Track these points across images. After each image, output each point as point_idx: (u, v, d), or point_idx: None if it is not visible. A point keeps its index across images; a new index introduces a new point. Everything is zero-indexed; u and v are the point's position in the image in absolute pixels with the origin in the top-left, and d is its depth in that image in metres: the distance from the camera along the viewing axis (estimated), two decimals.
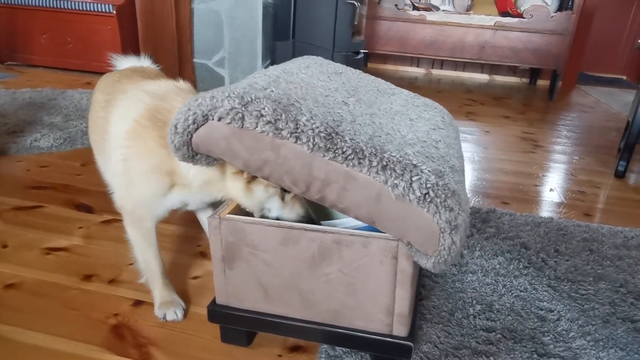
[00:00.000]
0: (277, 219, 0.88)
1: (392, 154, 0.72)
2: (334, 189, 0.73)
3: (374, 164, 0.71)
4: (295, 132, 0.71)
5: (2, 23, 3.57)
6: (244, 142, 0.73)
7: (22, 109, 2.44)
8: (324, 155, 0.71)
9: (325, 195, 0.74)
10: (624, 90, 4.69)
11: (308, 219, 0.90)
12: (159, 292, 1.03)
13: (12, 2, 3.49)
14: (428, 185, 0.70)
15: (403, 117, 0.97)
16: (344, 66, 1.20)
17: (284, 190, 0.87)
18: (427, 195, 0.69)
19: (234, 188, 0.88)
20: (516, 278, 1.23)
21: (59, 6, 3.43)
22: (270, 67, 0.97)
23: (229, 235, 0.85)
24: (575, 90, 4.56)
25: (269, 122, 0.72)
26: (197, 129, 0.74)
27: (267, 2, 2.92)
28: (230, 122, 0.72)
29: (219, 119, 0.73)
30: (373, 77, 1.21)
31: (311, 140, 0.71)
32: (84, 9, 3.39)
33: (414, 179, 0.70)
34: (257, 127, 0.72)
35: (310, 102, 0.81)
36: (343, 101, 0.90)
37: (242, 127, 0.72)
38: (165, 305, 1.02)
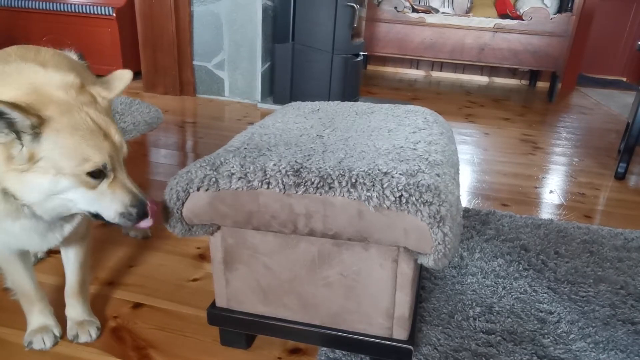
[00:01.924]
0: (96, 215, 0.74)
1: (360, 170, 0.75)
2: (318, 219, 0.75)
3: (343, 184, 0.73)
4: (265, 179, 0.76)
5: (3, 26, 3.58)
6: (226, 202, 0.78)
7: None
8: (296, 192, 0.74)
9: (313, 228, 0.76)
10: (623, 91, 4.70)
11: (138, 204, 0.74)
12: (34, 317, 0.93)
13: (13, 5, 3.50)
14: (400, 188, 0.72)
15: (381, 130, 1.01)
16: (323, 102, 1.28)
17: (96, 176, 0.70)
18: (401, 198, 0.71)
19: (10, 183, 0.67)
20: (516, 280, 1.23)
21: (58, 9, 3.44)
22: (249, 127, 1.04)
23: (229, 238, 0.85)
24: (574, 92, 4.57)
25: (240, 177, 0.76)
26: (183, 204, 0.79)
27: (266, 5, 2.93)
28: (208, 189, 0.78)
29: (198, 189, 0.78)
30: (351, 103, 1.28)
31: (280, 182, 0.75)
32: (84, 11, 3.40)
33: (385, 185, 0.72)
34: (231, 185, 0.76)
35: (282, 146, 0.87)
36: (317, 135, 0.96)
37: (219, 189, 0.77)
38: (34, 332, 0.92)
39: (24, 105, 0.63)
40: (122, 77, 0.82)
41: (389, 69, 5.16)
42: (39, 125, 0.64)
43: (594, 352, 0.98)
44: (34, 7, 3.48)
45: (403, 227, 0.72)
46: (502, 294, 1.16)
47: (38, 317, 0.93)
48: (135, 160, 2.02)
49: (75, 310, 0.96)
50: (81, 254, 0.94)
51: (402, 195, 0.71)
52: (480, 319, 1.06)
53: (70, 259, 0.93)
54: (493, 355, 0.96)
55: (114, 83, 0.81)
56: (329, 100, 1.33)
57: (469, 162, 2.24)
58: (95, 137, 0.69)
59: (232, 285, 0.89)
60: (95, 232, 1.37)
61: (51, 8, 3.45)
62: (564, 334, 1.03)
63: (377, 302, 0.82)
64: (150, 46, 3.11)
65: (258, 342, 0.97)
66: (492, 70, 4.91)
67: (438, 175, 0.78)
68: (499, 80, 4.91)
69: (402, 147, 0.88)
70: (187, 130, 2.49)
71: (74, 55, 1.09)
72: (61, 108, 0.67)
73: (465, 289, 1.18)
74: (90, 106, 0.71)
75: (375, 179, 0.73)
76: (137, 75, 3.53)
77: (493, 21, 4.04)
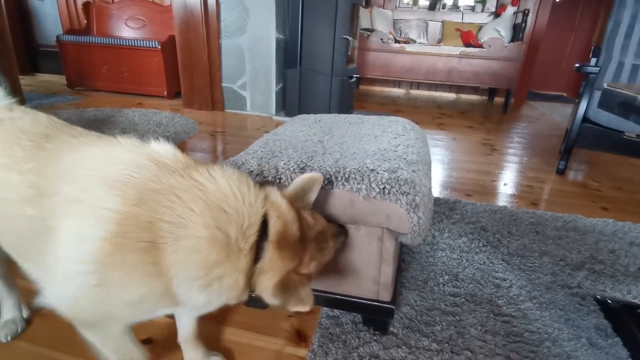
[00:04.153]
0: None
1: (352, 167, 0.75)
2: (319, 207, 0.75)
3: (339, 178, 0.73)
4: (277, 175, 0.76)
5: (72, 57, 3.60)
6: None
7: (88, 125, 2.46)
8: None
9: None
10: (564, 104, 4.65)
11: (342, 232, 0.76)
12: None
13: (80, 41, 3.51)
14: (384, 181, 0.72)
15: (369, 136, 1.00)
16: (324, 115, 1.27)
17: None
18: (385, 189, 0.71)
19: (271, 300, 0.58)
20: (477, 254, 1.22)
21: (116, 43, 3.45)
22: (265, 134, 1.03)
23: None
24: (525, 105, 4.53)
25: (258, 174, 0.77)
26: None
27: (279, 38, 2.92)
28: None
29: None
30: (345, 115, 1.26)
31: (289, 177, 0.75)
32: (136, 45, 3.40)
33: (371, 179, 0.72)
34: None
35: (291, 150, 0.87)
36: (319, 140, 0.96)
37: None
38: None
39: None
40: (315, 185, 0.66)
41: (377, 88, 5.13)
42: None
43: (539, 310, 0.98)
44: (96, 42, 3.49)
45: (386, 213, 0.72)
46: (466, 265, 1.16)
47: None
48: None
49: (196, 352, 0.78)
50: None
51: (385, 187, 0.71)
52: (448, 284, 1.06)
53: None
54: (458, 313, 0.96)
55: (310, 194, 0.67)
56: (328, 113, 1.33)
57: (440, 161, 2.23)
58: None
59: None
60: None
61: (110, 42, 3.46)
62: (515, 297, 1.03)
63: (367, 272, 0.82)
64: (188, 71, 3.11)
65: None
66: (459, 88, 4.88)
67: (414, 171, 0.77)
68: (464, 96, 4.88)
69: (385, 149, 0.88)
70: (217, 138, 2.49)
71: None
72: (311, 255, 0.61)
73: (437, 261, 1.17)
74: (317, 240, 0.63)
75: (364, 175, 0.73)
76: (177, 95, 3.54)
77: (459, 49, 4.00)
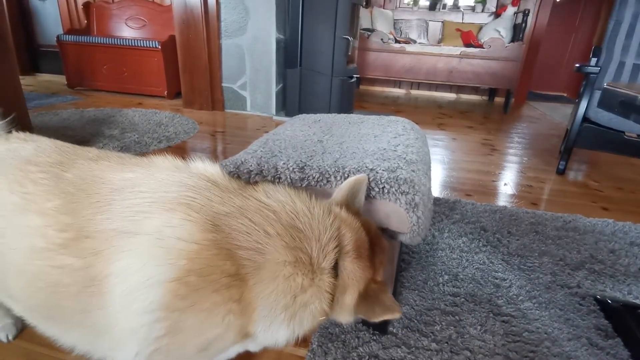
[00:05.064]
0: None
1: (352, 167, 0.75)
2: None
3: (338, 178, 0.73)
4: (277, 175, 0.76)
5: (72, 57, 3.60)
6: None
7: (88, 124, 2.46)
8: (301, 185, 0.74)
9: None
10: (564, 105, 4.65)
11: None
12: None
13: (80, 41, 3.52)
14: (383, 181, 0.72)
15: (369, 136, 1.00)
16: (323, 114, 1.27)
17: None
18: (384, 189, 0.71)
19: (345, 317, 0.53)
20: (477, 254, 1.22)
21: (116, 43, 3.45)
22: (265, 134, 1.03)
23: None
24: (525, 105, 4.53)
25: (257, 173, 0.77)
26: None
27: (279, 38, 2.92)
28: None
29: None
30: (345, 115, 1.26)
31: (288, 177, 0.75)
32: (136, 45, 3.41)
33: (371, 179, 0.72)
34: (250, 180, 0.77)
35: (290, 149, 0.87)
36: (318, 140, 0.95)
37: None
38: None
39: None
40: (362, 187, 0.62)
41: (377, 88, 5.13)
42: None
43: (538, 310, 0.98)
44: (96, 42, 3.49)
45: (385, 212, 0.72)
46: (466, 265, 1.16)
47: None
48: None
49: None
50: None
51: (384, 187, 0.71)
52: (448, 284, 1.06)
53: None
54: (458, 313, 0.96)
55: (358, 196, 0.62)
56: (329, 113, 1.32)
57: (440, 161, 2.23)
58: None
59: None
60: None
61: (110, 42, 3.46)
62: (515, 296, 1.03)
63: None
64: (188, 71, 3.11)
65: None
66: (459, 89, 4.88)
67: (413, 171, 0.77)
68: (465, 96, 4.88)
69: (385, 149, 0.88)
70: (217, 138, 2.49)
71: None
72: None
73: (436, 261, 1.17)
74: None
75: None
76: (177, 95, 3.54)
77: (459, 49, 4.00)
